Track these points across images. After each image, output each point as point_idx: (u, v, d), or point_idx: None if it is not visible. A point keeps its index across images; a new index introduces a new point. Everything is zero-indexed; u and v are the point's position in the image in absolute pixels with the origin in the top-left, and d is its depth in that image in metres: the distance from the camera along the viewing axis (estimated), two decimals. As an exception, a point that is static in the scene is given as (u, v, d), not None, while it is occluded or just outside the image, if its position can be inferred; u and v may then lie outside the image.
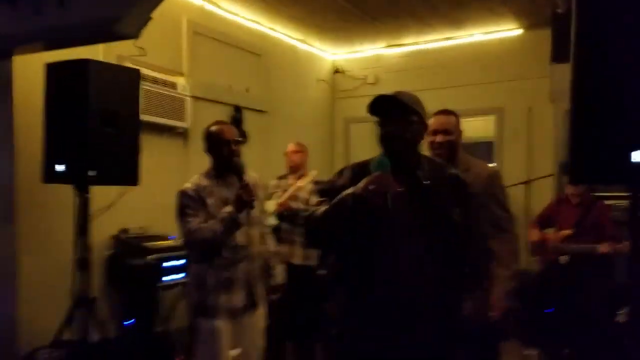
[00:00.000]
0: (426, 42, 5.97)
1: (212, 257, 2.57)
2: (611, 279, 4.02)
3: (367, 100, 1.94)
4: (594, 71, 1.89)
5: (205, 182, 2.64)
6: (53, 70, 2.99)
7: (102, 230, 3.52)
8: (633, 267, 2.02)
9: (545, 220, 4.30)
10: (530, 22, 5.36)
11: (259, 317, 2.75)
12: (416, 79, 5.79)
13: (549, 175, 4.99)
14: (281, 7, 4.93)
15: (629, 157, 1.82)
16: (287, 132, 5.45)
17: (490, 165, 5.65)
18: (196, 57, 4.55)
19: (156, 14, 2.70)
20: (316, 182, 3.99)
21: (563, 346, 4.18)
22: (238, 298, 2.61)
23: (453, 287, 1.95)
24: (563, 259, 3.99)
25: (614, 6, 1.84)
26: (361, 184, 1.81)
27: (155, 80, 4.02)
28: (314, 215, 1.95)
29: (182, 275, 3.77)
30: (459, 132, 2.71)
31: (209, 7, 4.73)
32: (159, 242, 3.71)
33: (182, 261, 3.74)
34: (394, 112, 1.91)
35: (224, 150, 2.64)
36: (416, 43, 6.02)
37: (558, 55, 4.76)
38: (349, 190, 1.85)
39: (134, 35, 2.70)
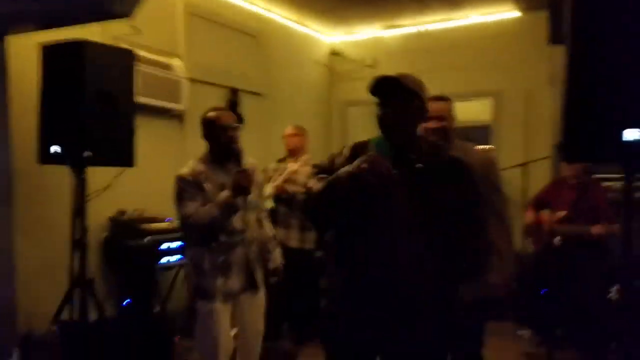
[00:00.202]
0: (424, 22, 5.93)
1: (209, 241, 2.60)
2: (605, 260, 4.05)
3: (365, 83, 1.94)
4: (588, 51, 1.89)
5: (201, 167, 2.65)
6: (48, 51, 2.97)
7: (99, 212, 3.53)
8: (625, 247, 2.04)
9: (541, 202, 4.31)
10: (529, 4, 5.32)
11: (260, 300, 2.78)
12: (414, 62, 5.75)
13: (545, 158, 4.99)
14: (278, -12, 4.90)
15: (621, 135, 1.84)
16: (285, 115, 5.44)
17: (487, 147, 5.68)
18: (192, 38, 4.53)
19: (152, -5, 2.69)
20: (315, 166, 4.00)
21: (556, 327, 4.23)
22: (235, 281, 2.64)
23: (449, 271, 1.95)
24: (557, 240, 4.02)
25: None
26: (356, 163, 1.82)
27: (150, 62, 3.99)
28: (312, 192, 1.98)
29: (179, 257, 3.80)
30: (452, 118, 2.71)
31: (205, -12, 4.70)
32: (155, 224, 3.73)
33: (179, 243, 3.77)
34: (395, 94, 1.90)
35: (221, 137, 2.64)
36: (414, 24, 5.97)
37: (556, 37, 4.74)
38: (345, 169, 1.86)
39: (127, 13, 2.68)
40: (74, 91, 2.88)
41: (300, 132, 4.29)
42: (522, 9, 5.46)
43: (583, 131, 1.93)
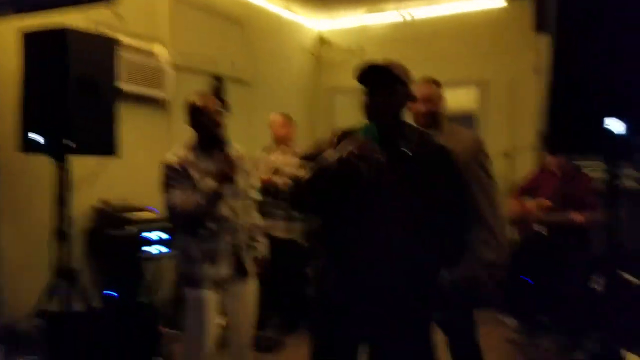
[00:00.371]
0: (410, 7, 5.90)
1: (195, 229, 2.60)
2: (589, 249, 4.10)
3: (352, 71, 1.94)
4: (573, 43, 1.90)
5: (188, 154, 2.64)
6: (30, 38, 2.92)
7: (83, 202, 3.49)
8: (609, 236, 2.07)
9: (526, 190, 4.34)
10: (515, -7, 5.34)
11: (250, 288, 2.78)
12: (401, 50, 5.72)
13: (529, 147, 5.02)
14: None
15: (604, 127, 1.86)
16: (271, 103, 5.40)
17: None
18: (176, 25, 4.46)
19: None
20: (303, 156, 3.99)
21: (540, 314, 4.29)
22: (223, 269, 2.64)
23: (429, 256, 1.97)
24: (542, 229, 4.06)
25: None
26: (345, 147, 1.84)
27: (134, 49, 3.93)
28: (299, 179, 1.99)
29: (163, 246, 3.78)
30: (442, 101, 2.73)
31: (190, -27, 4.63)
32: (140, 214, 3.70)
33: (164, 233, 3.75)
34: (383, 82, 1.92)
35: (206, 124, 2.63)
36: (399, 8, 5.95)
37: (541, 26, 4.76)
38: (333, 153, 1.87)
39: (110, -1, 2.63)
40: (56, 79, 2.84)
41: (287, 120, 4.26)
42: (509, -2, 5.46)
43: (567, 123, 1.95)
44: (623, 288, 3.73)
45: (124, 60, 3.70)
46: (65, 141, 2.80)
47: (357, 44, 6.15)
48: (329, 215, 2.01)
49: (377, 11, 6.05)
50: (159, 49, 4.20)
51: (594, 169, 4.46)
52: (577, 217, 3.91)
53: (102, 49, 3.01)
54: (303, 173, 2.00)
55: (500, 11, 5.55)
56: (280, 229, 3.98)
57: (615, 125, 1.85)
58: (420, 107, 2.68)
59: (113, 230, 3.47)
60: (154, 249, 3.71)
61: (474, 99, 5.83)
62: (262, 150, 4.25)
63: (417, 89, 2.70)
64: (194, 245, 2.61)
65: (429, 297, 2.02)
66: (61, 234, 2.95)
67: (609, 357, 1.96)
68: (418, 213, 1.91)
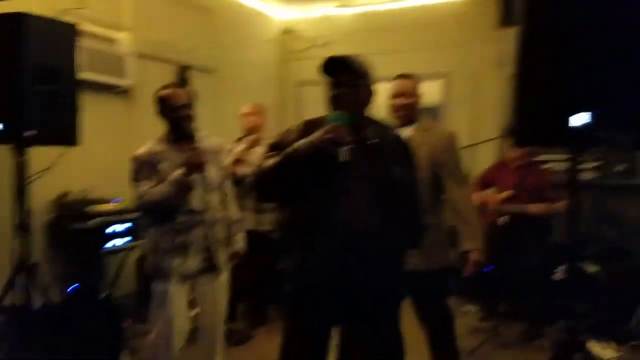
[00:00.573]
0: (377, 2, 5.93)
1: (165, 220, 2.58)
2: (546, 238, 4.24)
3: (318, 63, 1.97)
4: (540, 35, 1.94)
5: (159, 146, 2.63)
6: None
7: (43, 194, 3.38)
8: (570, 226, 2.14)
9: (486, 182, 4.44)
10: (478, -13, 5.42)
11: (221, 282, 2.76)
12: (366, 42, 5.75)
13: (491, 139, 5.12)
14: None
15: (570, 120, 1.91)
16: (237, 92, 5.35)
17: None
18: (139, 12, 4.34)
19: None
20: (269, 145, 3.96)
21: (500, 302, 4.41)
22: (193, 262, 2.62)
23: (396, 239, 2.04)
24: (502, 219, 4.16)
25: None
26: (317, 134, 1.88)
27: (95, 36, 3.82)
28: (264, 167, 2.00)
29: (126, 239, 3.70)
30: (418, 95, 2.80)
31: (152, -41, 4.52)
32: (102, 206, 3.61)
33: (126, 225, 3.68)
34: (345, 75, 1.97)
35: (174, 115, 2.61)
36: (367, 3, 5.96)
37: (505, 19, 4.85)
38: (304, 140, 1.91)
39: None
40: (14, 67, 2.72)
41: (257, 110, 4.20)
42: (472, -8, 5.54)
43: (532, 115, 2.00)
44: (583, 276, 3.88)
45: (86, 48, 3.59)
46: (25, 131, 2.70)
47: (323, 35, 6.14)
48: (298, 202, 2.03)
49: (346, 6, 6.05)
50: (122, 37, 4.09)
51: (555, 162, 4.62)
52: (535, 208, 4.03)
53: (62, 36, 2.90)
54: (267, 162, 2.02)
55: (465, 4, 5.62)
56: (249, 221, 3.95)
57: (579, 118, 1.91)
58: (398, 101, 2.74)
59: (75, 223, 3.37)
60: (117, 242, 3.64)
61: (437, 91, 5.90)
62: (235, 141, 4.19)
63: (393, 83, 2.77)
64: (165, 237, 2.59)
65: (397, 279, 2.08)
66: (21, 227, 2.85)
67: (571, 343, 2.02)
68: (384, 197, 1.98)
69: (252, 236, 3.81)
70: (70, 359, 2.84)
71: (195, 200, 2.61)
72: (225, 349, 2.87)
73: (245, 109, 4.19)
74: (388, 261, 2.03)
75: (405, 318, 2.89)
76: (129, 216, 3.73)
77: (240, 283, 2.90)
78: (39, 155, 3.02)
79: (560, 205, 3.94)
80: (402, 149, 2.12)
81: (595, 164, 4.26)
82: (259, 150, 3.95)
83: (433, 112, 5.94)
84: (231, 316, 3.74)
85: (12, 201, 2.88)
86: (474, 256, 2.68)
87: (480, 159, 5.10)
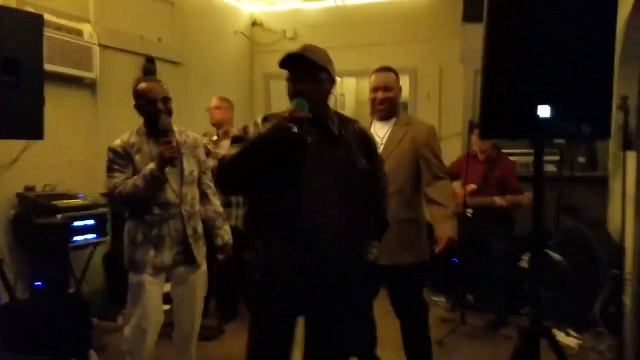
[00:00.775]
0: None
1: (141, 213, 2.58)
2: (511, 230, 4.34)
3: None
4: (505, 30, 1.98)
5: (135, 138, 2.62)
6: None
7: (6, 188, 3.30)
8: (535, 216, 2.19)
9: (452, 175, 4.51)
10: (443, -18, 5.49)
11: (198, 276, 2.75)
12: (334, 35, 5.79)
13: (456, 133, 5.22)
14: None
15: (535, 113, 1.96)
16: (205, 85, 5.30)
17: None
18: (104, 3, 4.25)
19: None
20: (232, 138, 3.93)
21: (468, 292, 4.50)
22: (167, 255, 2.61)
23: (358, 230, 2.07)
24: (468, 211, 4.24)
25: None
26: (277, 119, 1.91)
27: (59, 27, 3.72)
28: (226, 157, 2.00)
29: (93, 235, 3.64)
30: (398, 88, 2.84)
31: (117, -52, 4.42)
32: (67, 201, 3.53)
33: (93, 221, 3.61)
34: (304, 69, 1.98)
35: (150, 109, 2.60)
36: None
37: (469, 15, 4.92)
38: (266, 125, 1.94)
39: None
40: (-25, 57, 2.64)
41: (224, 104, 4.17)
42: (438, -13, 5.61)
43: (498, 109, 2.04)
44: (548, 264, 4.00)
45: (50, 39, 3.50)
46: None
47: (291, 28, 6.14)
48: (260, 192, 2.03)
49: (315, 0, 6.05)
50: (86, 28, 4.00)
51: (519, 154, 4.73)
52: (500, 200, 4.13)
53: (27, 27, 2.82)
54: (229, 152, 2.02)
55: (431, 0, 5.69)
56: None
57: (543, 110, 1.96)
58: (378, 95, 2.74)
59: (40, 218, 3.29)
60: (84, 237, 3.57)
61: (403, 86, 5.95)
62: (202, 135, 4.15)
63: (374, 77, 2.78)
64: (140, 229, 2.59)
65: (360, 268, 2.11)
66: (-17, 223, 2.78)
67: (536, 332, 2.08)
68: (346, 188, 2.00)
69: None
70: (37, 356, 2.79)
71: (171, 193, 2.60)
72: (196, 345, 2.86)
73: (213, 102, 4.16)
74: (349, 251, 2.04)
75: (379, 309, 2.96)
76: (95, 211, 3.67)
77: (210, 277, 2.87)
78: (3, 149, 2.94)
79: (525, 197, 4.05)
80: (365, 141, 2.13)
81: (557, 157, 4.37)
82: (227, 144, 3.92)
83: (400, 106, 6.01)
84: (202, 311, 3.72)
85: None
86: (448, 233, 2.69)
87: (447, 152, 5.16)
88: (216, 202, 2.90)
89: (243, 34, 6.28)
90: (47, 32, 3.40)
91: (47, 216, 3.33)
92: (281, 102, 2.18)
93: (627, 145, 3.68)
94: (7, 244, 3.41)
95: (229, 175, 2.04)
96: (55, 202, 3.45)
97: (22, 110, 2.83)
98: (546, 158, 2.26)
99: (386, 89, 2.76)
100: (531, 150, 2.14)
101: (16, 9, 2.90)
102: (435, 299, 4.66)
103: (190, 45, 5.30)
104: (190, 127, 4.29)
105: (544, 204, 2.22)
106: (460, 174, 4.41)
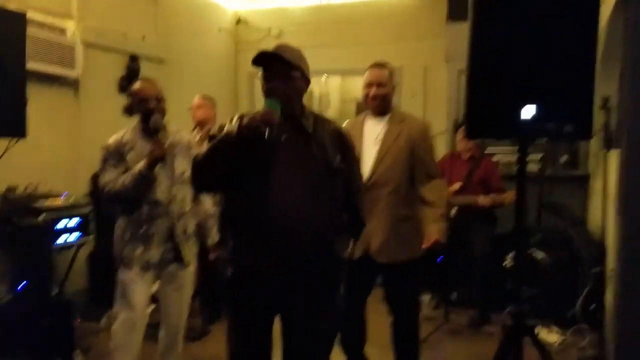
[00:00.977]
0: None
1: (129, 210, 2.62)
2: (493, 228, 4.39)
3: None
4: (489, 30, 2.00)
5: (129, 136, 2.66)
6: None
7: (-13, 188, 3.24)
8: (518, 215, 2.22)
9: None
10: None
11: (185, 275, 2.77)
12: (319, 34, 5.80)
13: (440, 132, 5.25)
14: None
15: (519, 113, 1.98)
16: (189, 83, 5.26)
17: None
18: (87, 0, 4.21)
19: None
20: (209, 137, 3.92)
21: (452, 290, 4.54)
22: (155, 252, 2.64)
23: (330, 226, 2.08)
24: (452, 211, 4.28)
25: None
26: (246, 118, 1.92)
27: (41, 25, 3.67)
28: (198, 156, 2.02)
29: (77, 235, 3.59)
30: (392, 85, 2.83)
31: (100, -55, 4.37)
32: (50, 201, 3.48)
33: (76, 221, 3.57)
34: (277, 68, 1.99)
35: (142, 108, 2.65)
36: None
37: (454, 14, 4.96)
38: (234, 125, 1.95)
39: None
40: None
41: (207, 102, 4.14)
42: (422, -14, 5.64)
43: (484, 109, 2.06)
44: (530, 263, 4.04)
45: (32, 37, 3.44)
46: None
47: (276, 26, 6.13)
48: (233, 190, 2.05)
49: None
50: (68, 26, 3.95)
51: (504, 154, 4.78)
52: (483, 200, 4.17)
53: (9, 25, 2.78)
54: (202, 150, 2.04)
55: (416, -1, 5.72)
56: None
57: (528, 110, 1.98)
58: (372, 91, 2.75)
59: (22, 218, 3.24)
60: (67, 238, 3.52)
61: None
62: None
63: (368, 73, 2.78)
64: (129, 226, 2.63)
65: (333, 264, 2.12)
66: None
67: (520, 328, 2.11)
68: (319, 186, 2.02)
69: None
70: (21, 358, 2.75)
71: (161, 192, 2.63)
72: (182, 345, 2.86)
73: (195, 101, 4.14)
74: (321, 247, 2.05)
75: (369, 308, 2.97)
76: (79, 211, 3.62)
77: (194, 278, 2.87)
78: (-17, 149, 2.89)
79: (508, 196, 4.10)
80: (340, 140, 2.14)
81: (539, 156, 4.43)
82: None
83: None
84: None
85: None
86: (436, 235, 2.72)
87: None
88: (208, 201, 2.91)
89: (228, 31, 6.25)
90: (31, 30, 3.35)
91: (30, 217, 3.28)
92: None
93: (609, 144, 3.75)
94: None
95: (200, 173, 2.06)
96: (37, 203, 3.39)
97: (5, 109, 2.80)
98: (529, 157, 2.28)
99: (379, 85, 2.76)
100: (514, 148, 2.17)
101: (-2, 7, 2.85)
102: (420, 297, 4.68)
103: (174, 43, 5.27)
104: (175, 123, 4.29)
105: (526, 203, 2.25)
106: (444, 173, 4.44)
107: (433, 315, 4.32)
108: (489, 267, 4.20)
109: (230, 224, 2.10)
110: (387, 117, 2.82)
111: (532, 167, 4.32)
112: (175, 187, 2.67)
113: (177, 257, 2.71)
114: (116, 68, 4.51)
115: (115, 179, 2.57)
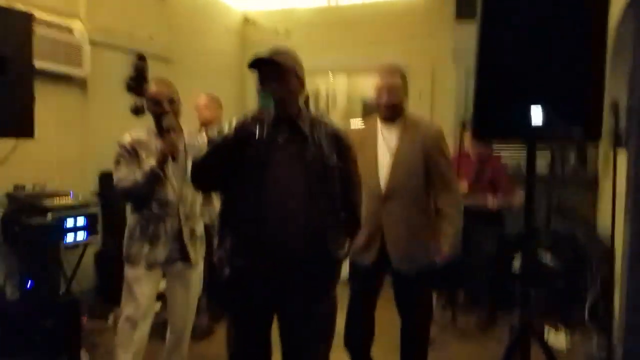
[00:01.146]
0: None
1: (139, 208, 2.68)
2: (501, 229, 4.36)
3: None
4: (498, 30, 1.99)
5: (145, 135, 2.71)
6: None
7: (-5, 187, 3.26)
8: (526, 217, 2.20)
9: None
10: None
11: (192, 275, 2.80)
12: (326, 35, 5.78)
13: (448, 132, 5.23)
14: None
15: (527, 114, 1.97)
16: (196, 82, 5.24)
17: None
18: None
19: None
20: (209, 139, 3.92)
21: (457, 289, 4.52)
22: (161, 252, 2.67)
23: (326, 226, 2.09)
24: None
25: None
26: (242, 119, 1.99)
27: (49, 24, 3.68)
28: (197, 157, 2.08)
29: (84, 234, 3.61)
30: (405, 90, 2.78)
31: (108, -56, 4.38)
32: (58, 200, 3.50)
33: (84, 220, 3.58)
34: (272, 72, 2.03)
35: (156, 109, 2.69)
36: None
37: (461, 13, 4.93)
38: (230, 127, 2.00)
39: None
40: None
41: (212, 102, 4.13)
42: (429, -14, 5.61)
43: (492, 110, 2.04)
44: (538, 265, 4.02)
45: (39, 36, 3.44)
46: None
47: (283, 27, 6.12)
48: (228, 188, 2.09)
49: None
50: (76, 25, 3.96)
51: (511, 155, 4.76)
52: (492, 202, 4.15)
53: (16, 24, 2.80)
54: (198, 153, 2.10)
55: (423, -2, 5.69)
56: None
57: (536, 111, 1.96)
58: (383, 97, 2.71)
59: (30, 217, 3.26)
60: (75, 237, 3.54)
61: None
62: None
63: (379, 79, 2.74)
64: (138, 224, 2.68)
65: (330, 264, 2.13)
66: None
67: (528, 330, 2.09)
68: (316, 186, 2.03)
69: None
70: (28, 357, 2.77)
71: (171, 192, 2.67)
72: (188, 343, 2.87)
73: (202, 100, 4.13)
74: (317, 247, 2.05)
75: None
76: (86, 210, 3.64)
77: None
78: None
79: (516, 197, 4.07)
80: (337, 141, 2.14)
81: (548, 158, 4.41)
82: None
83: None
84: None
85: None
86: (448, 251, 2.70)
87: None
88: (217, 202, 2.93)
89: (235, 31, 6.25)
90: (38, 29, 3.37)
91: (37, 216, 3.30)
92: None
93: (617, 142, 3.71)
94: (-3, 244, 3.37)
95: (198, 174, 2.12)
96: (45, 202, 3.41)
97: (12, 109, 2.81)
98: (538, 159, 2.27)
99: (391, 91, 2.72)
100: (522, 147, 2.15)
101: (6, 6, 2.86)
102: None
103: (182, 43, 5.27)
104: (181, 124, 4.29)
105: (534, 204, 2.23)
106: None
107: (440, 317, 4.29)
108: (497, 268, 4.18)
109: (228, 224, 2.12)
110: (399, 123, 2.77)
111: (541, 168, 4.29)
112: (185, 187, 2.70)
113: (184, 257, 2.73)
114: (124, 67, 4.52)
115: (127, 176, 2.62)
